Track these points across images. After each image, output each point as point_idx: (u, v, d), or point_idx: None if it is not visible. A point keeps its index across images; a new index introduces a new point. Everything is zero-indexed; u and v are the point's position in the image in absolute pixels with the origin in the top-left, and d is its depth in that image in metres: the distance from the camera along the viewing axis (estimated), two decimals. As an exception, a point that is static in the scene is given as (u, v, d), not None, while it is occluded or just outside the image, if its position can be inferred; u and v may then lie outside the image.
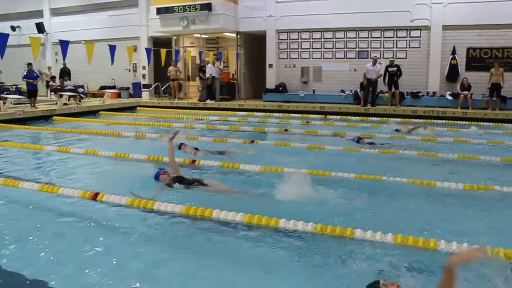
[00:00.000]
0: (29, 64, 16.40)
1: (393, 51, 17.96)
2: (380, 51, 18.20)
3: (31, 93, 16.36)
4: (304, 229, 4.68)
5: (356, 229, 4.54)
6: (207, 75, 19.75)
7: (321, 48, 19.36)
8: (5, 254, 4.28)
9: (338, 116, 16.13)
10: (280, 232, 4.72)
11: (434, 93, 17.35)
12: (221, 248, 4.50)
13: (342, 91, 18.70)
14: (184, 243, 4.69)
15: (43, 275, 3.84)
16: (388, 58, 17.34)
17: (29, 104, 16.31)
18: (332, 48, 19.15)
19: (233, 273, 3.91)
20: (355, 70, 18.62)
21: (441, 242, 4.26)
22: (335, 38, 19.01)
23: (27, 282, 3.78)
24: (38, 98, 17.08)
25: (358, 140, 10.02)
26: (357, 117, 15.78)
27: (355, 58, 18.75)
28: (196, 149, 8.74)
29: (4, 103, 15.27)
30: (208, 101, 19.58)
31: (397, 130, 12.05)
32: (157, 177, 6.32)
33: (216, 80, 19.82)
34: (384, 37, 18.20)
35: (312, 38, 19.45)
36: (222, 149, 9.01)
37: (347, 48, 18.89)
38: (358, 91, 17.72)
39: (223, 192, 6.19)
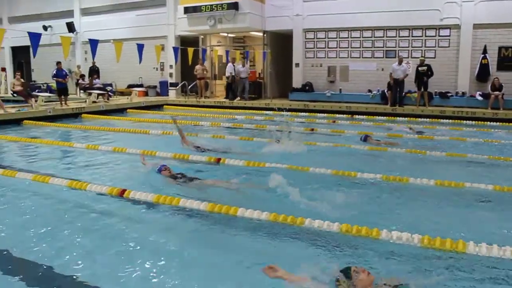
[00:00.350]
0: (58, 63, 16.71)
1: (421, 50, 17.63)
2: (408, 50, 17.91)
3: (61, 91, 16.64)
4: (330, 229, 4.63)
5: (382, 230, 4.48)
6: (227, 74, 19.85)
7: (348, 47, 19.17)
8: (35, 248, 4.38)
9: (364, 116, 15.97)
10: (305, 232, 4.69)
11: (463, 93, 16.96)
12: (243, 246, 4.50)
13: (369, 90, 18.48)
14: (207, 240, 4.71)
15: (70, 269, 3.92)
16: (416, 57, 17.05)
17: (59, 102, 16.64)
18: (360, 47, 18.94)
19: (256, 271, 3.91)
20: (382, 69, 18.36)
21: (470, 244, 4.16)
22: (363, 37, 18.80)
23: (56, 275, 3.85)
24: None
25: (365, 138, 9.93)
26: (384, 117, 15.59)
27: (383, 57, 18.48)
28: (198, 147, 9.00)
29: (36, 101, 15.63)
30: (234, 100, 19.66)
31: (410, 129, 12.27)
32: (159, 173, 6.75)
33: (246, 79, 19.90)
34: (412, 36, 17.88)
35: (339, 37, 19.27)
36: (225, 147, 9.12)
37: (374, 47, 18.65)
38: (386, 91, 17.47)
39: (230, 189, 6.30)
